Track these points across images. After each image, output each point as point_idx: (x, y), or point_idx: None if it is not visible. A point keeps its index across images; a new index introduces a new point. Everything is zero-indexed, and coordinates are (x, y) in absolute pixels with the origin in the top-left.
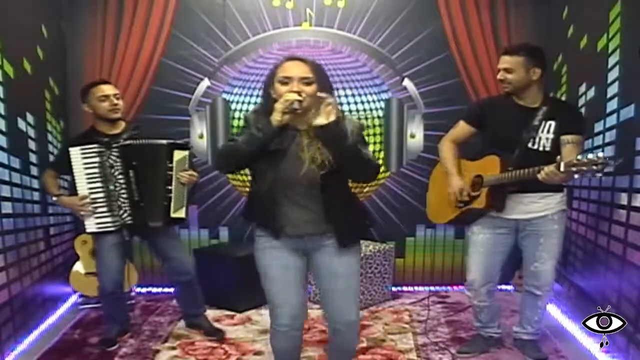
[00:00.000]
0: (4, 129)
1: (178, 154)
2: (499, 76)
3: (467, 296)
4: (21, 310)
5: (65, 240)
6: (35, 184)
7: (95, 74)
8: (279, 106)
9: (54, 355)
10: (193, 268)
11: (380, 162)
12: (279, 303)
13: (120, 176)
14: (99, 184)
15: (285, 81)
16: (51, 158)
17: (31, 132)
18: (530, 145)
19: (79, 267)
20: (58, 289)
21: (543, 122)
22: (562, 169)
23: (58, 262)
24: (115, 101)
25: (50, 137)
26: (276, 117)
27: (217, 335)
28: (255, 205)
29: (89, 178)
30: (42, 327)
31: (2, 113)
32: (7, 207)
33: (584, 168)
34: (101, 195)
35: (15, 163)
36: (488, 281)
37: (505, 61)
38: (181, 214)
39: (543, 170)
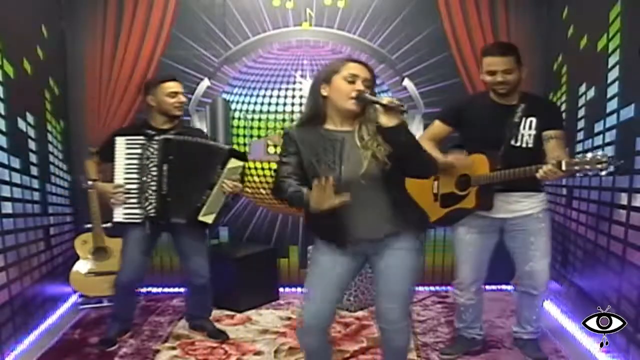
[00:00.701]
0: (4, 129)
1: (233, 162)
2: (498, 78)
3: (454, 296)
4: (21, 310)
5: (65, 240)
6: (35, 184)
7: (96, 74)
8: (384, 112)
9: (54, 355)
10: (208, 273)
11: None
12: (309, 300)
13: (153, 168)
14: (135, 175)
15: (352, 79)
16: (51, 158)
17: (31, 132)
18: (513, 142)
19: (79, 267)
20: (58, 289)
21: (523, 119)
22: (563, 167)
23: (58, 262)
24: (183, 99)
25: (50, 137)
26: (383, 121)
27: (220, 338)
28: (318, 217)
29: (127, 168)
30: (42, 327)
31: (2, 113)
32: (7, 207)
33: (587, 167)
34: (135, 186)
35: (15, 163)
36: (478, 278)
37: (504, 62)
38: (209, 219)
39: (542, 169)
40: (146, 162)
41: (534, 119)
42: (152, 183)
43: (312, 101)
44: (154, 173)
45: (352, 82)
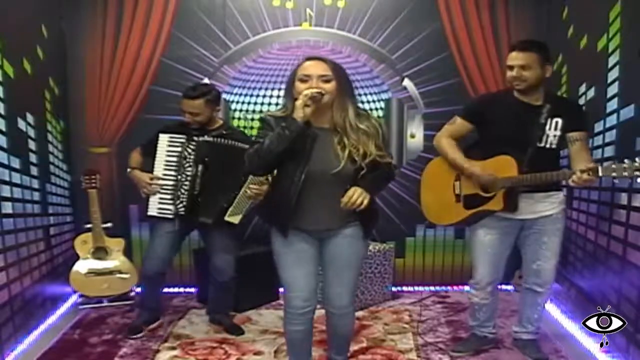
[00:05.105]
0: (4, 129)
1: None
2: (514, 73)
3: (468, 295)
4: (21, 310)
5: (65, 240)
6: (35, 184)
7: (96, 74)
8: (298, 102)
9: (54, 355)
10: (234, 272)
11: None
12: (294, 288)
13: (189, 168)
14: (172, 172)
15: (305, 79)
16: (51, 158)
17: (31, 132)
18: (537, 143)
19: (79, 267)
20: (58, 289)
21: (549, 120)
22: (600, 174)
23: (58, 262)
24: (189, 118)
25: (50, 137)
26: (299, 113)
27: (236, 333)
28: (277, 204)
29: (166, 165)
30: (42, 327)
31: (2, 113)
32: (7, 207)
33: (625, 174)
34: (171, 183)
35: (15, 163)
36: (495, 279)
37: (521, 58)
38: (235, 220)
39: (575, 175)
40: (183, 161)
41: (559, 120)
42: (186, 182)
43: (287, 102)
44: (189, 172)
45: (305, 82)
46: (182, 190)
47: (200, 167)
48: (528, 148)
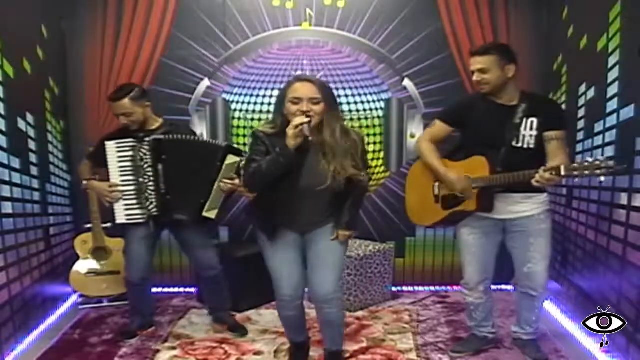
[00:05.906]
0: (4, 129)
1: (231, 159)
2: (475, 77)
3: (462, 295)
4: (21, 310)
5: (65, 240)
6: (35, 184)
7: (96, 73)
8: (290, 132)
9: (54, 355)
10: (219, 264)
11: (380, 162)
12: (281, 277)
13: (149, 169)
14: (130, 177)
15: (296, 102)
16: (51, 158)
17: (31, 132)
18: (514, 143)
19: (79, 267)
20: (58, 289)
21: (524, 120)
22: (562, 173)
23: (58, 262)
24: (124, 120)
25: (50, 137)
26: (291, 143)
27: (240, 332)
28: (268, 212)
29: (121, 171)
30: (42, 327)
31: (2, 113)
32: (7, 207)
33: (587, 172)
34: (132, 187)
35: (15, 163)
36: (485, 278)
37: (478, 62)
38: (212, 214)
39: (538, 174)
40: (140, 163)
41: (535, 120)
42: (150, 183)
43: (276, 118)
44: (150, 173)
45: (296, 104)
46: (149, 192)
47: (160, 167)
48: (502, 148)
